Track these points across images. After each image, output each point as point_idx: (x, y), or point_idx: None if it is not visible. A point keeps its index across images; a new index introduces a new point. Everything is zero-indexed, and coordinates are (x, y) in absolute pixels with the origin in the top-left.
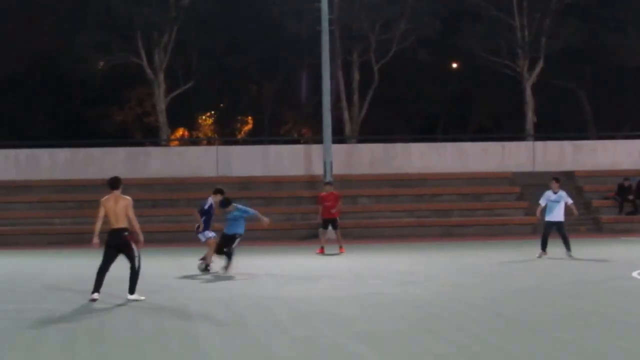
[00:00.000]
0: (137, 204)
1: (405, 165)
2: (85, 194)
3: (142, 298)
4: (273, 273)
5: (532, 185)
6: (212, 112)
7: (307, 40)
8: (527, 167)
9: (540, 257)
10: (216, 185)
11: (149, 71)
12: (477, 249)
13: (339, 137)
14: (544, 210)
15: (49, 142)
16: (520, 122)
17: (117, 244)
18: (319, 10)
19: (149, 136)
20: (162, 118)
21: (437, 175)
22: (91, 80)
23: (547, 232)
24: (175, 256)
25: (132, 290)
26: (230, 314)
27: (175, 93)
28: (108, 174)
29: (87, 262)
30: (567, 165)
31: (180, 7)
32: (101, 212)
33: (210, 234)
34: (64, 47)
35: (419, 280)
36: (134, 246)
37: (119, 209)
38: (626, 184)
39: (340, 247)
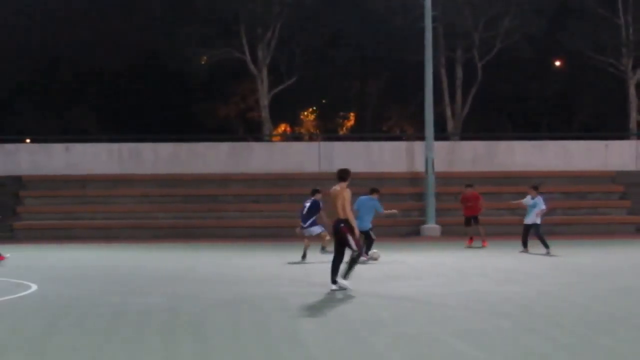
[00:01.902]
0: (239, 199)
1: (508, 163)
2: (188, 188)
3: (350, 287)
4: (374, 270)
5: (635, 184)
6: (314, 107)
7: (411, 37)
8: (630, 166)
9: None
10: (314, 186)
11: (252, 66)
12: (580, 248)
13: (442, 134)
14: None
15: (153, 137)
16: (623, 121)
17: (336, 233)
18: (423, 6)
19: (252, 131)
20: (265, 113)
21: (539, 173)
22: (195, 75)
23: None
24: (277, 251)
25: (345, 275)
26: (332, 310)
27: (278, 89)
28: (211, 169)
29: (190, 255)
30: None
31: (284, 2)
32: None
33: (319, 228)
34: (168, 42)
35: (522, 279)
36: (349, 237)
37: (339, 200)
38: None
39: (483, 241)
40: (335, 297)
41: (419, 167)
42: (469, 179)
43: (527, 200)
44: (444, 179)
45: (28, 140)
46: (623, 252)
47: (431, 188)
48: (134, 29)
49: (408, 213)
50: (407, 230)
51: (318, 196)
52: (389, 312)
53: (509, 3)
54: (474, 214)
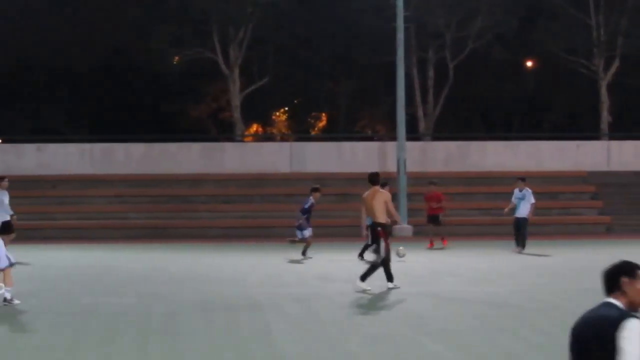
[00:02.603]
0: (212, 199)
1: (480, 163)
2: (161, 188)
3: (369, 288)
4: (346, 270)
5: (606, 184)
6: (287, 108)
7: (384, 37)
8: (602, 167)
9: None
10: (313, 184)
11: (224, 67)
12: (552, 248)
13: (414, 134)
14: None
15: (125, 137)
16: (595, 121)
17: (373, 237)
18: (395, 7)
19: (224, 132)
20: (237, 114)
21: (512, 174)
22: (167, 75)
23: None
24: (249, 252)
25: (364, 278)
26: (304, 310)
27: (250, 89)
28: (183, 169)
29: (162, 256)
30: None
31: (256, 3)
32: (363, 207)
33: (308, 232)
34: (140, 41)
35: (494, 279)
36: (382, 241)
37: (376, 203)
38: None
39: (431, 242)
40: (305, 297)
41: (391, 167)
42: (442, 179)
43: (516, 193)
44: (416, 179)
45: None
46: (594, 252)
47: (403, 188)
48: (106, 29)
49: None
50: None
51: (316, 195)
52: (361, 312)
53: (481, 3)
54: (437, 212)
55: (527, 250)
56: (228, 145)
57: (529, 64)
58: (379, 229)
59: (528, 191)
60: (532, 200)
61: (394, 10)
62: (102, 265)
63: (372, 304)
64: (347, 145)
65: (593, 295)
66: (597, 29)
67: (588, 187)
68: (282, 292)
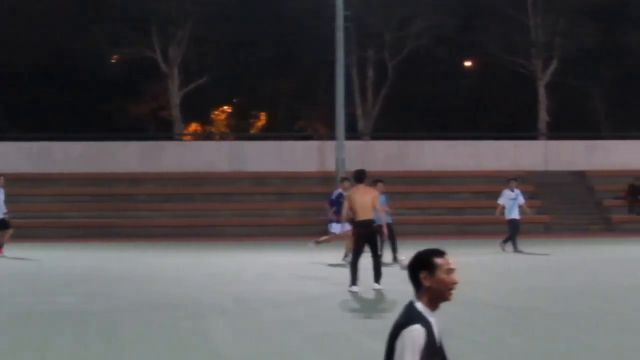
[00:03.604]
0: (152, 198)
1: (419, 163)
2: (100, 187)
3: (382, 287)
4: (285, 269)
5: (544, 184)
6: (226, 107)
7: (323, 36)
8: (540, 166)
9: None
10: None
11: (163, 65)
12: (491, 247)
13: (353, 134)
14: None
15: (64, 135)
16: (533, 121)
17: (366, 236)
18: (334, 7)
19: (163, 130)
20: (176, 112)
21: (451, 173)
22: (106, 74)
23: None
24: (189, 251)
25: (377, 279)
26: (243, 310)
27: (189, 87)
28: (122, 168)
29: (101, 255)
30: (580, 165)
31: (196, 1)
32: (346, 204)
33: (336, 227)
34: (79, 40)
35: None
36: (378, 238)
37: (366, 201)
38: (637, 184)
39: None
40: (246, 296)
41: (330, 166)
42: (382, 179)
43: (508, 194)
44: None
45: None
46: (532, 251)
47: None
48: (45, 27)
49: (319, 212)
50: (319, 230)
51: (345, 185)
52: (301, 311)
53: (420, 4)
54: None
55: (465, 250)
56: (167, 144)
57: (468, 64)
58: (375, 225)
59: (519, 191)
60: (522, 201)
61: (333, 10)
62: (40, 265)
63: (313, 303)
64: (286, 145)
65: (530, 295)
66: (536, 30)
67: (526, 187)
68: (222, 291)
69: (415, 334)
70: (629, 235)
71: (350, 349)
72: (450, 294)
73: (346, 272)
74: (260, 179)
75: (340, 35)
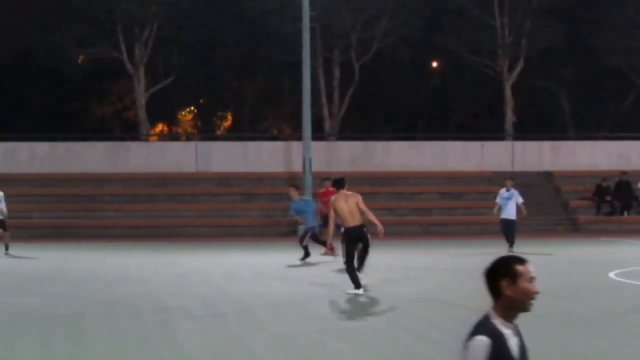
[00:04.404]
0: (116, 198)
1: (385, 163)
2: (65, 188)
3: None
4: (252, 270)
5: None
6: (192, 107)
7: (289, 38)
8: (506, 167)
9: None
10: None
11: (129, 66)
12: (456, 248)
13: (320, 134)
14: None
15: (29, 136)
16: (499, 122)
17: (357, 238)
18: (300, 7)
19: (129, 131)
20: (142, 113)
21: (417, 174)
22: (71, 74)
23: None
24: (154, 251)
25: (359, 269)
26: (209, 310)
27: (155, 88)
28: (88, 168)
29: (66, 255)
30: (546, 165)
31: (161, 2)
32: (332, 213)
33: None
34: (44, 40)
35: (397, 279)
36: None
37: (351, 206)
38: (604, 184)
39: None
40: (211, 297)
41: (297, 167)
42: (347, 179)
43: (502, 193)
44: (322, 179)
45: None
46: (497, 251)
47: (308, 188)
48: (11, 27)
49: (286, 213)
50: (285, 230)
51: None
52: (265, 312)
53: (385, 4)
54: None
55: (428, 250)
56: (133, 145)
57: (434, 64)
58: (365, 229)
59: (515, 191)
60: (520, 200)
61: (299, 10)
62: (4, 265)
63: (278, 304)
64: (252, 145)
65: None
66: (502, 30)
67: (492, 188)
68: (189, 292)
69: (477, 346)
70: (595, 236)
71: (314, 349)
72: (531, 305)
73: (311, 271)
74: (225, 179)
75: (306, 36)
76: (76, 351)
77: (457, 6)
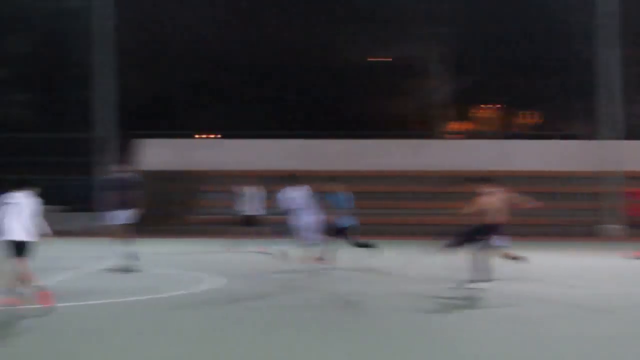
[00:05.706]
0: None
1: None
2: (365, 185)
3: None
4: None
5: None
6: (493, 104)
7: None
8: None
9: None
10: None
11: (431, 65)
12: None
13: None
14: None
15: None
16: None
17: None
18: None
19: (425, 129)
20: (443, 111)
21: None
22: (370, 73)
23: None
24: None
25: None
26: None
27: (455, 87)
28: (386, 166)
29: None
30: None
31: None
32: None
33: None
34: (348, 40)
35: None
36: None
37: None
38: None
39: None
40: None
41: (600, 166)
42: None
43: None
44: None
45: None
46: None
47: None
48: (312, 28)
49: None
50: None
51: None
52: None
53: None
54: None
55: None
56: (431, 143)
57: None
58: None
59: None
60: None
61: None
62: None
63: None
64: (556, 144)
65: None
66: None
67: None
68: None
69: None
70: None
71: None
72: None
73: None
74: (535, 177)
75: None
76: None
77: None
